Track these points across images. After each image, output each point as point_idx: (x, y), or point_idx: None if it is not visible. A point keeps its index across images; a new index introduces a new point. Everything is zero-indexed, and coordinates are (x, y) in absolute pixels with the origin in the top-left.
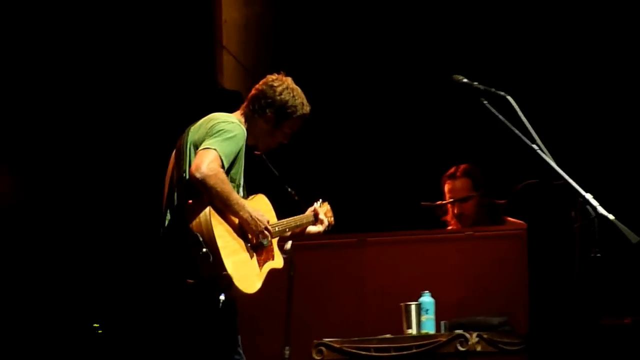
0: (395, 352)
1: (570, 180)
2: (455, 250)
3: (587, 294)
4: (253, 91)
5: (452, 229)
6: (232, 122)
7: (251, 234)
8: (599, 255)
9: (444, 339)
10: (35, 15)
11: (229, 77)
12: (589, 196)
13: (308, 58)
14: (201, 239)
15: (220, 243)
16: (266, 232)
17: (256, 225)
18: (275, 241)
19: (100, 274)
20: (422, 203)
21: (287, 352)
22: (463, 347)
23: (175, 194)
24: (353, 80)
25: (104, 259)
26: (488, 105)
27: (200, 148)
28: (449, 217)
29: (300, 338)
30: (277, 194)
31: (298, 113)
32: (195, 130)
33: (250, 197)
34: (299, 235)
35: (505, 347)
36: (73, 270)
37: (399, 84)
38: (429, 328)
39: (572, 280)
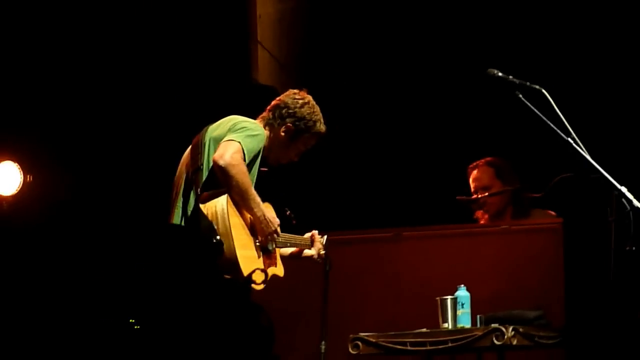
0: (431, 346)
1: (606, 174)
2: (491, 244)
3: (623, 288)
4: (275, 101)
5: (486, 222)
6: (255, 123)
7: (261, 234)
8: (634, 248)
9: (480, 333)
10: (65, 11)
11: (263, 72)
12: (624, 189)
13: (342, 52)
14: (216, 227)
15: (234, 233)
16: (275, 235)
17: (267, 226)
18: (278, 250)
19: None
20: (458, 197)
21: (323, 347)
22: (499, 341)
23: (192, 190)
24: (389, 73)
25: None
26: (523, 99)
27: (223, 140)
28: (479, 214)
29: (337, 333)
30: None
31: (316, 129)
32: (215, 128)
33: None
34: (294, 257)
35: (541, 340)
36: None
37: (435, 77)
38: (465, 322)
39: (608, 274)
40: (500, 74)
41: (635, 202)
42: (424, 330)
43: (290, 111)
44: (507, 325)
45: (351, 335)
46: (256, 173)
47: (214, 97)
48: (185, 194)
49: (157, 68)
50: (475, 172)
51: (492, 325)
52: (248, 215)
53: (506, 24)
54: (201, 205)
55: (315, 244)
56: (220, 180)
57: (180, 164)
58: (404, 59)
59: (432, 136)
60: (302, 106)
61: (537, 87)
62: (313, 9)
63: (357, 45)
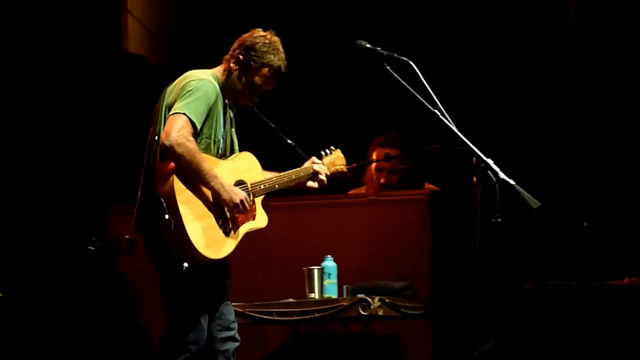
0: (297, 316)
1: (472, 146)
2: (358, 215)
3: (489, 259)
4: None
5: (354, 193)
6: (201, 80)
7: (225, 206)
8: (500, 220)
9: (346, 303)
10: None
11: (133, 41)
12: (490, 161)
13: (214, 23)
14: (164, 205)
15: (182, 210)
16: (241, 205)
17: (230, 198)
18: (259, 200)
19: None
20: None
21: None
22: (365, 312)
23: (150, 162)
24: None
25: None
26: (390, 71)
27: (170, 113)
28: (368, 180)
29: None
30: (279, 148)
31: (268, 60)
32: (170, 92)
33: (233, 156)
34: (300, 190)
35: (407, 311)
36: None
37: (303, 49)
38: (332, 292)
39: (474, 245)
40: (368, 45)
41: (500, 174)
42: (291, 300)
43: (241, 42)
44: (373, 296)
45: None
46: (219, 119)
47: (83, 65)
48: (147, 165)
49: (25, 39)
50: (381, 151)
51: (359, 295)
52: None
53: None
54: (155, 181)
55: (317, 175)
56: (170, 158)
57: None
58: (274, 29)
59: (300, 106)
60: (255, 37)
61: (405, 59)
62: None
63: (227, 16)
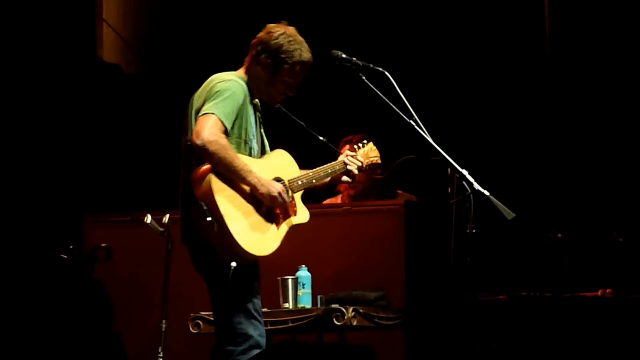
0: (271, 326)
1: (447, 156)
2: (333, 224)
3: (463, 270)
4: (254, 41)
5: (334, 201)
6: (228, 80)
7: (263, 200)
8: (474, 230)
9: (320, 313)
10: None
11: (108, 49)
12: (465, 172)
13: (189, 31)
14: (205, 208)
15: (223, 210)
16: (279, 197)
17: (268, 192)
18: (298, 195)
19: None
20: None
21: (164, 326)
22: (339, 322)
23: (186, 168)
24: (236, 53)
25: None
26: (366, 81)
27: (200, 115)
28: (342, 187)
29: (177, 311)
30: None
31: (294, 59)
32: (197, 97)
33: (267, 155)
34: (335, 184)
35: (381, 321)
36: None
37: None
38: (306, 302)
39: (448, 256)
40: (344, 55)
41: (475, 184)
42: (265, 309)
43: (264, 45)
44: (347, 306)
45: (192, 314)
46: (249, 119)
47: (58, 73)
48: (184, 172)
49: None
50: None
51: (333, 305)
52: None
53: (350, 5)
54: (192, 185)
55: (351, 171)
56: (203, 159)
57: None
58: (250, 36)
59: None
60: (276, 38)
61: (381, 69)
62: None
63: (203, 24)
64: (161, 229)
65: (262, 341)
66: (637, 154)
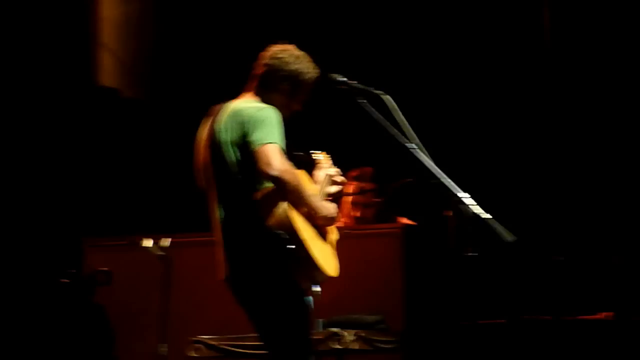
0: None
1: (446, 180)
2: None
3: (462, 293)
4: (261, 68)
5: (349, 224)
6: (262, 108)
7: (322, 222)
8: (474, 254)
9: (320, 337)
10: None
11: (107, 74)
12: (464, 195)
13: (188, 56)
14: (286, 237)
15: (304, 236)
16: (336, 217)
17: (330, 213)
18: None
19: None
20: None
21: (163, 350)
22: (339, 345)
23: (236, 199)
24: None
25: None
26: (365, 104)
27: (257, 145)
28: (341, 213)
29: (177, 335)
30: None
31: (309, 78)
32: (225, 130)
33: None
34: None
35: (380, 345)
36: None
37: None
38: None
39: (447, 280)
40: (341, 78)
41: (475, 208)
42: None
43: (281, 73)
44: (346, 330)
45: (191, 338)
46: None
47: (56, 98)
48: (225, 197)
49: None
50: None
51: (332, 329)
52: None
53: (349, 30)
54: (261, 213)
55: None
56: (277, 188)
57: (203, 164)
58: (249, 61)
59: None
60: (289, 64)
61: (380, 92)
62: (158, 12)
63: (202, 46)
64: (161, 253)
65: None
66: None
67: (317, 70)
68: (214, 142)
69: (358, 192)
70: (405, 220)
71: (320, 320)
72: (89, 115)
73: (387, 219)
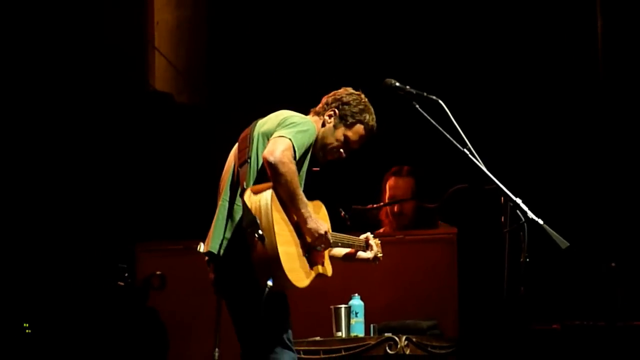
0: (324, 354)
1: (500, 185)
2: (386, 253)
3: (516, 299)
4: (329, 98)
5: (383, 231)
6: (305, 118)
7: (309, 236)
8: (528, 260)
9: (373, 342)
10: None
11: (160, 78)
12: (518, 201)
13: (242, 61)
14: (259, 221)
15: (277, 229)
16: (324, 238)
17: (316, 228)
18: (328, 250)
19: None
20: (354, 206)
21: (216, 355)
22: (392, 350)
23: (237, 183)
24: (285, 81)
25: None
26: (419, 109)
27: (274, 136)
28: (383, 216)
29: (230, 341)
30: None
31: (362, 118)
32: (264, 123)
33: (309, 202)
34: (348, 259)
35: (434, 350)
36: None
37: (332, 86)
38: (358, 331)
39: (501, 285)
40: (397, 84)
41: (529, 213)
42: (318, 338)
43: (337, 97)
44: (400, 335)
45: None
46: (305, 171)
47: (111, 103)
48: (232, 187)
49: (55, 73)
50: (396, 180)
51: (386, 334)
52: (293, 214)
53: (404, 35)
54: (246, 199)
55: (372, 246)
56: (269, 177)
57: (228, 160)
58: (301, 67)
59: None
60: (350, 94)
61: (434, 97)
62: (211, 17)
63: (255, 54)
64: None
65: None
66: None
67: (374, 124)
68: (248, 134)
69: (394, 201)
70: (447, 226)
71: (374, 325)
72: (144, 120)
73: (429, 225)
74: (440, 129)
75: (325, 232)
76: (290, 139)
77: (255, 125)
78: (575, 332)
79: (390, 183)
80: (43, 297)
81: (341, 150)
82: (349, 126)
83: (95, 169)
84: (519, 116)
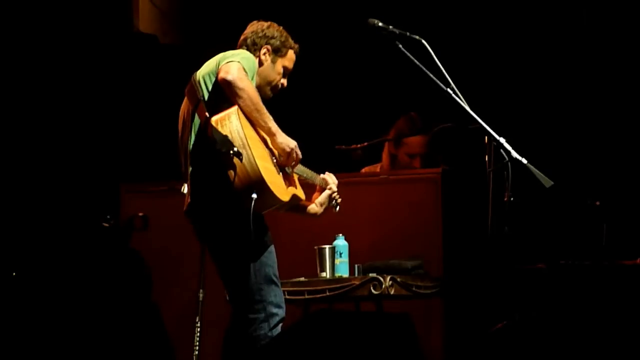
0: (308, 295)
1: (484, 124)
2: (370, 193)
3: (501, 238)
4: (241, 38)
5: (366, 171)
6: (244, 51)
7: (278, 150)
8: (512, 199)
9: (357, 282)
10: None
11: (144, 20)
12: (502, 140)
13: (226, 1)
14: (230, 137)
15: (251, 144)
16: (294, 152)
17: (287, 142)
18: (296, 177)
19: None
20: (337, 146)
21: (201, 295)
22: (376, 291)
23: (198, 121)
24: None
25: None
26: (403, 49)
27: (222, 64)
28: (385, 155)
29: (215, 281)
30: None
31: (289, 43)
32: (203, 67)
33: None
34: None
35: (418, 290)
36: None
37: (314, 27)
38: (343, 271)
39: (486, 224)
40: (380, 24)
41: (513, 153)
42: (302, 279)
43: (260, 34)
44: (384, 275)
45: None
46: None
47: (95, 45)
48: (191, 127)
49: (36, 18)
50: (422, 138)
51: (370, 274)
52: (261, 132)
53: None
54: (213, 121)
55: (331, 186)
56: (229, 96)
57: (180, 118)
58: (285, 9)
59: (309, 86)
60: (268, 27)
61: (417, 37)
62: None
63: None
64: None
65: (283, 307)
66: None
67: (296, 46)
68: (192, 83)
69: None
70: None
71: (358, 265)
72: (128, 62)
73: (433, 164)
74: (424, 68)
75: (296, 146)
76: (238, 61)
77: (194, 75)
78: (560, 272)
79: (418, 140)
80: (27, 239)
81: (282, 81)
82: (284, 55)
83: (81, 110)
84: (501, 55)
